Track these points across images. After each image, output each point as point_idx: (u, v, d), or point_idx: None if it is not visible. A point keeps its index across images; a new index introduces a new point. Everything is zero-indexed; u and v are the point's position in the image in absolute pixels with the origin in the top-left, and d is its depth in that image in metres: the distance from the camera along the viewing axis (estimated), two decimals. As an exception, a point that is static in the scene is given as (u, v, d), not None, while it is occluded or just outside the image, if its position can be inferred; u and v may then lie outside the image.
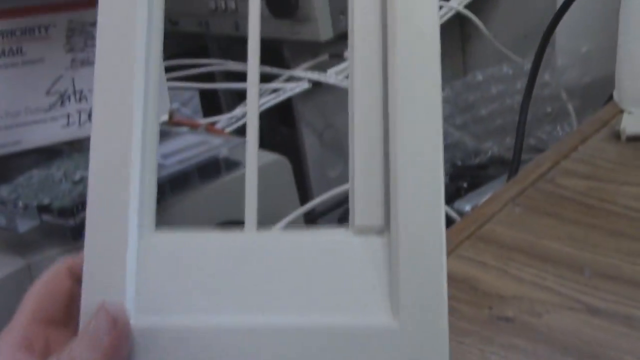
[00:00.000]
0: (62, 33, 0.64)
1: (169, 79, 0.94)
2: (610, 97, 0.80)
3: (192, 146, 0.73)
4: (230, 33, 1.06)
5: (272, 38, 0.94)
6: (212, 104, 1.06)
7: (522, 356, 0.43)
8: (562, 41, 0.85)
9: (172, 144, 0.72)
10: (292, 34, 0.94)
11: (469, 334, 0.46)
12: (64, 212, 0.55)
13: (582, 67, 0.86)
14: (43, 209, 0.57)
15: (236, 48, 1.11)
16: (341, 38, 0.95)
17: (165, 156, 0.70)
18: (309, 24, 0.91)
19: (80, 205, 0.55)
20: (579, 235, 0.55)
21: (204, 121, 0.87)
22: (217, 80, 1.10)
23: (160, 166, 0.66)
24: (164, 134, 0.74)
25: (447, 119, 0.90)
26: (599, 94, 0.86)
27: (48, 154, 0.69)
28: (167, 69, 0.97)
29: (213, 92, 1.08)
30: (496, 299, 0.49)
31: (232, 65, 1.04)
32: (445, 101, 0.88)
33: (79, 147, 0.69)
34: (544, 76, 0.87)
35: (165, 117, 0.72)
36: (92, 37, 0.65)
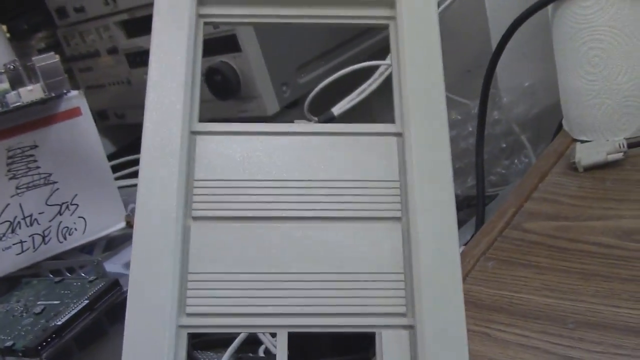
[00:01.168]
0: (2, 161, 0.62)
1: (121, 177, 0.93)
2: (561, 125, 0.81)
3: (154, 248, 0.71)
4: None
5: (220, 119, 0.94)
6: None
7: None
8: (504, 79, 0.86)
9: (133, 250, 0.70)
10: (239, 112, 0.93)
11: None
12: (28, 353, 0.53)
13: (529, 100, 0.87)
14: (6, 351, 0.54)
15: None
16: (288, 108, 0.95)
17: (128, 265, 0.68)
18: (254, 101, 0.90)
19: (44, 342, 0.53)
20: (555, 283, 0.54)
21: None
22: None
23: (124, 276, 0.64)
24: (122, 240, 0.72)
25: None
26: (550, 121, 0.86)
27: (6, 284, 0.66)
28: (118, 167, 0.95)
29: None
30: (484, 369, 0.48)
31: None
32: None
33: (37, 272, 0.67)
34: (493, 115, 0.88)
35: (121, 224, 0.71)
36: (34, 160, 0.64)
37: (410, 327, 0.32)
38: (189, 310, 0.31)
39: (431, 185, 0.34)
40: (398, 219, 0.33)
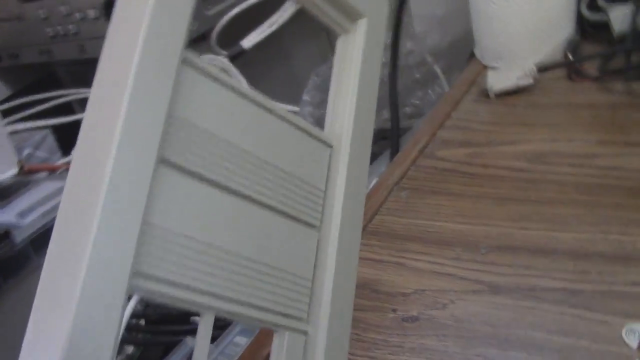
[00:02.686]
0: None
1: (13, 121, 0.86)
2: (473, 53, 0.80)
3: (52, 195, 0.66)
4: (77, 57, 0.98)
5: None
6: (72, 139, 0.98)
7: (435, 356, 0.41)
8: (417, 8, 0.84)
9: (29, 197, 0.65)
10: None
11: (377, 345, 0.43)
12: None
13: (441, 30, 0.86)
14: None
15: (89, 72, 1.03)
16: (195, 42, 0.90)
17: (22, 214, 0.63)
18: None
19: None
20: (468, 209, 0.54)
21: (63, 161, 0.80)
22: (77, 111, 1.02)
23: (17, 227, 0.59)
24: (16, 188, 0.67)
25: (318, 105, 0.87)
26: (462, 51, 0.86)
27: None
28: (9, 111, 0.88)
29: (72, 126, 0.99)
30: (399, 298, 0.47)
31: (88, 92, 0.96)
32: (314, 89, 0.85)
33: None
34: (406, 45, 0.86)
35: (13, 170, 0.65)
36: None
37: (305, 333, 0.32)
38: (139, 268, 0.24)
39: (349, 202, 0.34)
40: (316, 227, 0.33)
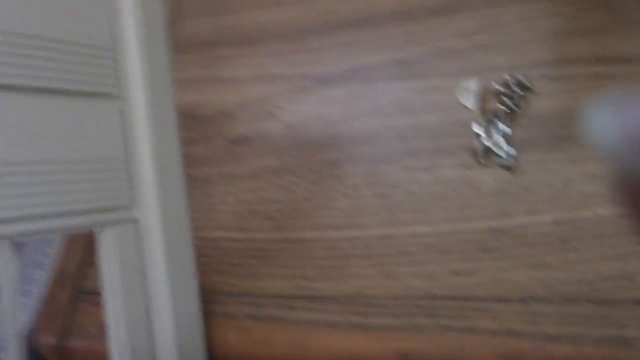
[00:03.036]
0: None
1: None
2: None
3: None
4: None
5: None
6: None
7: (275, 177, 0.37)
8: None
9: None
10: None
11: (212, 180, 0.39)
12: None
13: None
14: None
15: None
16: None
17: None
18: None
19: None
20: (276, -10, 0.46)
21: None
22: None
23: None
24: None
25: None
26: None
27: None
28: None
29: None
30: (224, 119, 0.41)
31: None
32: None
33: None
34: None
35: None
36: None
37: (135, 221, 0.27)
38: None
39: (149, 59, 0.28)
40: (114, 96, 0.27)
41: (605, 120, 0.12)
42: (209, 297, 0.33)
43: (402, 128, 0.36)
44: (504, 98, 0.34)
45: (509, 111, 0.34)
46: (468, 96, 0.35)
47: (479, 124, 0.34)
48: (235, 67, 0.43)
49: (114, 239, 0.26)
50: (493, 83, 0.35)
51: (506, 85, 0.35)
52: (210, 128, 0.41)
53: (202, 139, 0.41)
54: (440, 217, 0.32)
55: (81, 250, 0.39)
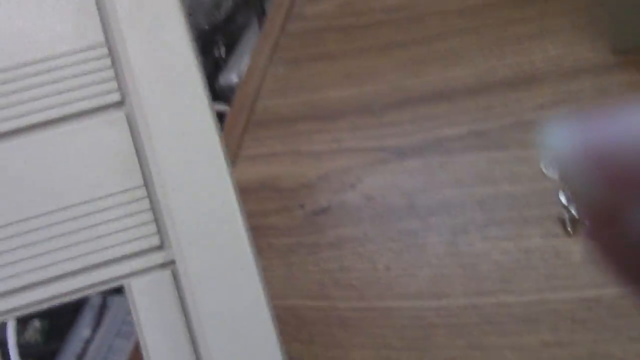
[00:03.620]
0: None
1: None
2: None
3: None
4: None
5: None
6: None
7: (356, 246, 0.38)
8: None
9: None
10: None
11: (293, 250, 0.39)
12: None
13: None
14: None
15: None
16: None
17: None
18: None
19: None
20: (352, 68, 0.48)
21: None
22: None
23: None
24: None
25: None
26: None
27: None
28: None
29: None
30: (303, 191, 0.42)
31: None
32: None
33: None
34: None
35: None
36: None
37: (171, 263, 0.22)
38: None
39: (154, 46, 0.22)
40: (119, 103, 0.22)
41: (560, 139, 0.11)
42: (291, 366, 0.33)
43: (483, 198, 0.36)
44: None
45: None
46: (552, 167, 0.35)
47: (565, 194, 0.34)
48: (315, 141, 0.45)
49: (148, 289, 0.22)
50: (576, 153, 0.35)
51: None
52: (290, 199, 0.42)
53: (282, 210, 0.42)
54: (528, 286, 0.32)
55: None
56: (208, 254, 0.22)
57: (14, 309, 0.21)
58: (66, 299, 0.21)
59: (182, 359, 0.23)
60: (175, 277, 0.23)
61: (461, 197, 0.37)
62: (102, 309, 0.45)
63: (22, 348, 0.43)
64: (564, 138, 0.11)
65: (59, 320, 0.52)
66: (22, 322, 0.51)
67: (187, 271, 0.22)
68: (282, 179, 0.44)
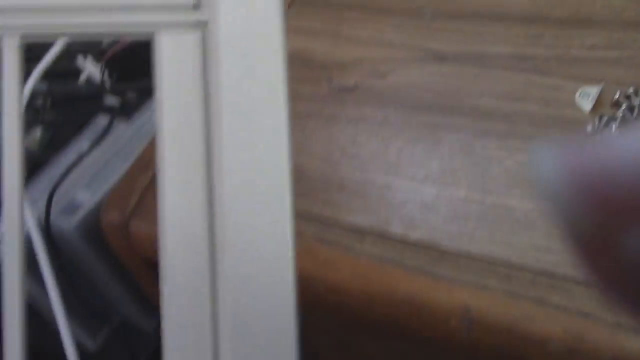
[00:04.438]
0: None
1: None
2: None
3: None
4: None
5: None
6: None
7: (373, 126, 0.38)
8: None
9: None
10: None
11: (311, 115, 0.39)
12: None
13: None
14: None
15: None
16: None
17: None
18: None
19: None
20: (413, -26, 0.48)
21: None
22: None
23: None
24: None
25: None
26: None
27: None
28: None
29: None
30: (335, 68, 0.42)
31: None
32: None
33: None
34: None
35: None
36: None
37: (202, 25, 0.21)
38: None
39: None
40: None
41: (549, 164, 0.11)
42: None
43: (510, 112, 0.36)
44: (624, 108, 0.34)
45: (625, 121, 0.34)
46: (586, 100, 0.35)
47: (594, 127, 0.34)
48: (358, 28, 0.45)
49: (174, 47, 0.21)
50: (617, 93, 0.35)
51: (627, 97, 0.35)
52: (321, 73, 0.42)
53: (310, 79, 0.41)
54: (533, 196, 0.32)
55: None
56: (241, 20, 0.21)
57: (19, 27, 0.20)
58: (93, 35, 0.21)
59: (193, 138, 0.22)
60: (204, 40, 0.21)
61: (489, 106, 0.37)
62: (107, 130, 0.45)
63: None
64: (553, 163, 0.11)
65: (61, 134, 0.52)
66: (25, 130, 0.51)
67: (217, 37, 0.21)
68: (316, 53, 0.43)
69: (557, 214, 0.11)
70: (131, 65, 0.50)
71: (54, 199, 0.42)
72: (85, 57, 0.56)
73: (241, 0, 0.21)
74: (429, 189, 0.34)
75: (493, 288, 0.29)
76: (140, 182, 0.39)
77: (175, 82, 0.21)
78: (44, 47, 0.60)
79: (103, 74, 0.52)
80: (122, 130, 0.45)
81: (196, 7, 0.21)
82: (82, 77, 0.55)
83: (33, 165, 0.49)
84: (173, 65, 0.21)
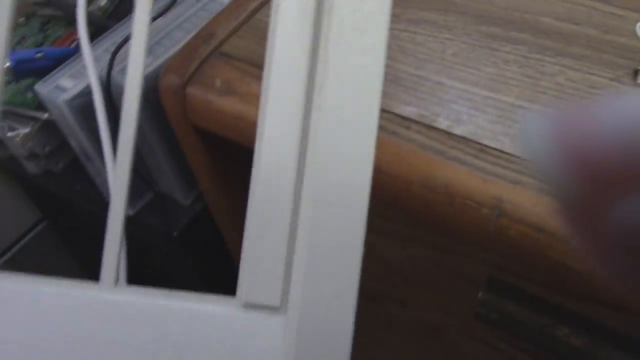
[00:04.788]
0: None
1: None
2: None
3: None
4: None
5: None
6: None
7: (434, 29, 0.39)
8: None
9: None
10: None
11: (373, 11, 0.40)
12: None
13: None
14: None
15: None
16: None
17: None
18: None
19: None
20: None
21: None
22: None
23: None
24: None
25: None
26: None
27: None
28: None
29: None
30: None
31: None
32: None
33: None
34: None
35: None
36: None
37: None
38: None
39: None
40: None
41: (539, 134, 0.11)
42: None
43: (569, 34, 0.37)
44: (681, 41, 0.35)
45: (681, 52, 0.34)
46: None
47: (648, 53, 0.34)
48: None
49: None
50: (676, 25, 0.35)
51: (687, 32, 0.35)
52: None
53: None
54: (578, 111, 0.33)
55: (237, 21, 0.41)
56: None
57: None
58: None
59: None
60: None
61: (549, 27, 0.38)
62: (172, 3, 0.46)
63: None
64: (543, 133, 0.11)
65: (124, 6, 0.54)
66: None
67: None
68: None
69: (547, 182, 0.11)
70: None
71: (116, 60, 0.44)
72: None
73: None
74: (479, 91, 0.35)
75: (527, 184, 0.30)
76: (201, 52, 0.40)
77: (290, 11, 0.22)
78: None
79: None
80: (187, 4, 0.46)
81: None
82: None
83: (96, 29, 0.50)
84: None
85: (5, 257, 0.67)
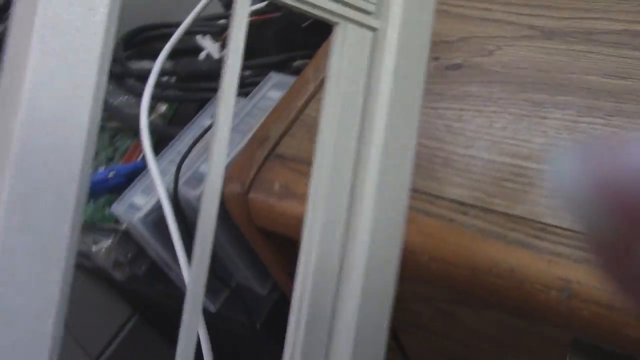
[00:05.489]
0: None
1: None
2: None
3: None
4: None
5: None
6: None
7: (479, 103, 0.39)
8: None
9: None
10: None
11: (417, 93, 0.41)
12: None
13: None
14: None
15: None
16: None
17: None
18: None
19: None
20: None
21: None
22: None
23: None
24: None
25: None
26: None
27: None
28: None
29: None
30: (442, 46, 0.43)
31: None
32: None
33: None
34: None
35: None
36: None
37: (375, 30, 0.27)
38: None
39: None
40: None
41: (571, 169, 0.11)
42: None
43: (618, 90, 0.36)
44: None
45: None
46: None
47: None
48: (465, 6, 0.45)
49: (348, 37, 0.26)
50: None
51: None
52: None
53: (416, 58, 0.43)
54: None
55: (287, 121, 0.43)
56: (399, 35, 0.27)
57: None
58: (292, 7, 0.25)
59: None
60: (374, 41, 0.27)
61: (596, 84, 0.37)
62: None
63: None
64: (575, 168, 0.11)
65: (183, 110, 0.57)
66: (150, 108, 0.56)
67: (385, 42, 0.27)
68: (423, 32, 0.45)
69: (579, 219, 0.11)
70: (249, 44, 0.54)
71: (180, 172, 0.46)
72: (203, 36, 0.60)
73: (404, 19, 0.28)
74: (532, 165, 0.35)
75: (592, 261, 0.30)
76: (258, 157, 0.42)
77: (345, 66, 0.26)
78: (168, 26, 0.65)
79: (222, 52, 0.56)
80: (240, 106, 0.48)
81: (374, 15, 0.27)
82: (202, 55, 0.59)
83: (159, 138, 0.53)
84: (346, 52, 0.27)
85: (104, 356, 0.71)
